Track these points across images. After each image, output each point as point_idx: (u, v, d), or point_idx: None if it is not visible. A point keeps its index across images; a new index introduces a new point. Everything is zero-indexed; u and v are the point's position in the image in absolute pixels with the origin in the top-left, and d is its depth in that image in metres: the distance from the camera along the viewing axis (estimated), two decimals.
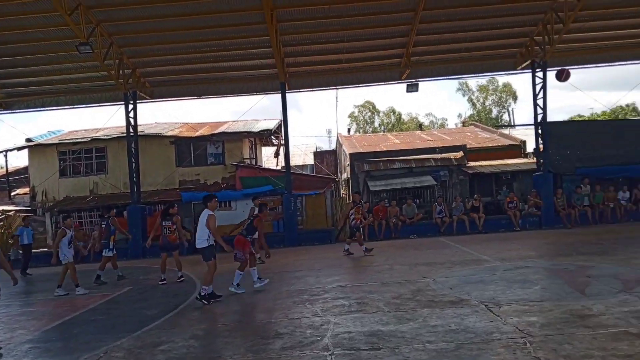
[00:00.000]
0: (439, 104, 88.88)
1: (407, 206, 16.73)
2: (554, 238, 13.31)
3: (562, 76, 16.06)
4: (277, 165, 24.25)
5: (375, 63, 17.84)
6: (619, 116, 38.26)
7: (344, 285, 8.64)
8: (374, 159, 19.19)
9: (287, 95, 17.39)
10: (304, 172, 25.04)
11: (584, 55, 17.99)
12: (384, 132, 43.55)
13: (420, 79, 18.11)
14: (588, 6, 15.08)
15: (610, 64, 18.47)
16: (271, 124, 21.44)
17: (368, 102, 55.55)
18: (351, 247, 12.69)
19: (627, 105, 42.69)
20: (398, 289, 7.92)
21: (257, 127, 21.05)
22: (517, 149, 21.14)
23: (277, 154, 23.27)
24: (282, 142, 18.73)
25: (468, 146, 20.08)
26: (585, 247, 11.09)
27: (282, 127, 18.02)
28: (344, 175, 22.88)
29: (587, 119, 36.47)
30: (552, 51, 16.32)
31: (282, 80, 17.00)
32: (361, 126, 54.67)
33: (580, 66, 18.44)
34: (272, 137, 22.67)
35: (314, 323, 6.28)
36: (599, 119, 33.28)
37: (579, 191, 16.33)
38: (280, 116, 18.54)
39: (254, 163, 21.57)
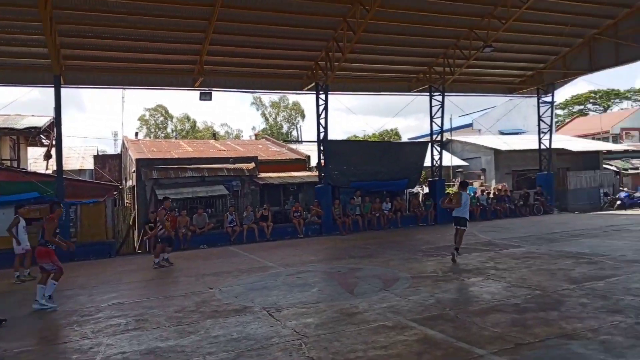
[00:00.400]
0: (235, 116, 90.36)
1: (197, 216, 16.40)
2: (332, 244, 14.63)
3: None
4: (47, 169, 21.17)
5: (168, 67, 17.14)
6: (385, 139, 44.39)
7: (122, 302, 7.92)
8: (164, 166, 18.30)
9: (66, 90, 15.37)
10: (81, 178, 22.43)
11: (359, 84, 20.43)
12: (176, 138, 42.17)
13: (213, 89, 18.06)
14: (363, 40, 17.21)
15: (379, 93, 21.38)
16: (41, 121, 18.63)
17: (160, 106, 53.17)
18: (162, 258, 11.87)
19: (392, 130, 50.04)
20: (182, 302, 7.63)
21: (22, 124, 18.04)
22: (303, 162, 22.77)
23: (47, 156, 20.29)
24: (54, 142, 16.40)
25: (259, 158, 20.76)
26: (356, 251, 12.46)
27: (55, 126, 15.84)
28: (129, 183, 21.25)
29: (360, 139, 41.43)
30: (333, 77, 18.14)
31: (57, 73, 14.96)
32: (152, 131, 51.91)
33: (356, 93, 20.96)
34: (42, 136, 19.73)
35: (82, 347, 5.59)
36: (370, 140, 38.09)
37: (352, 202, 18.39)
38: (53, 112, 16.24)
39: (16, 165, 18.43)
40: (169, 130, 52.99)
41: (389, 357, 4.75)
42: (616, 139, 39.40)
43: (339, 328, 5.76)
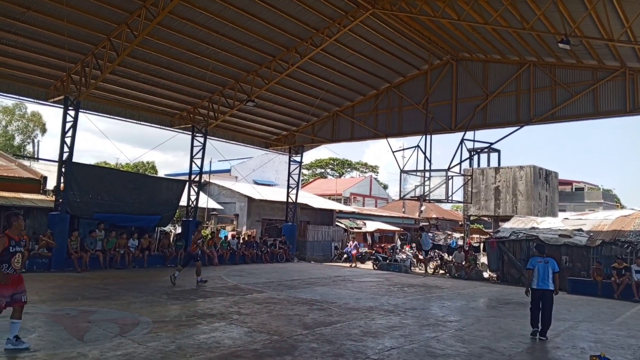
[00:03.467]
0: None
1: None
2: (62, 281, 12.72)
3: None
4: None
5: None
6: (140, 170, 42.11)
7: None
8: None
9: None
10: None
11: (117, 107, 19.03)
12: None
13: None
14: (127, 64, 16.35)
15: (138, 122, 20.20)
16: None
17: None
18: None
19: (148, 162, 47.85)
20: None
21: None
22: (37, 183, 19.51)
23: None
24: None
25: None
26: (92, 292, 11.11)
27: None
28: None
29: (112, 167, 38.29)
30: (87, 94, 16.45)
31: None
32: None
33: (111, 116, 19.31)
34: None
35: None
36: (122, 169, 35.51)
37: (93, 235, 16.48)
38: None
39: None
40: None
41: None
42: (346, 201, 46.13)
43: None
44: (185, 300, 10.39)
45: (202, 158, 21.09)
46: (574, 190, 50.64)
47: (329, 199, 40.06)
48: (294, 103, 21.81)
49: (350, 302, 11.12)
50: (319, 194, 40.74)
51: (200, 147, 20.93)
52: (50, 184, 18.93)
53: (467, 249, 23.41)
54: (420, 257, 24.02)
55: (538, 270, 8.29)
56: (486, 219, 35.01)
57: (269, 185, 39.67)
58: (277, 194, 29.22)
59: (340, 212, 32.62)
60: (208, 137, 21.16)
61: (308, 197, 32.96)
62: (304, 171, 58.94)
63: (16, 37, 14.29)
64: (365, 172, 65.49)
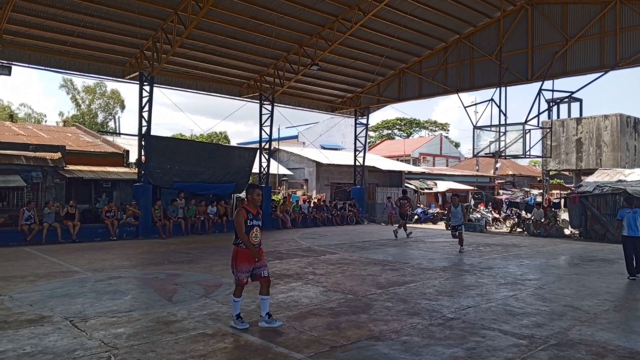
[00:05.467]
0: (38, 97, 79.30)
1: None
2: (149, 247, 13.70)
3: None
4: None
5: None
6: (213, 141, 43.69)
7: None
8: None
9: None
10: None
11: (188, 80, 19.74)
12: None
13: (14, 62, 15.57)
14: (195, 37, 16.75)
15: (208, 93, 20.91)
16: None
17: None
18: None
19: (221, 133, 49.50)
20: None
21: None
22: (120, 157, 20.88)
23: None
24: None
25: (68, 148, 18.44)
26: (177, 256, 11.88)
27: None
28: None
29: (187, 138, 40.02)
30: (160, 69, 17.14)
31: None
32: None
33: (184, 89, 20.12)
34: None
35: None
36: (197, 140, 37.03)
37: (175, 204, 17.49)
38: None
39: None
40: None
41: None
42: (415, 162, 45.33)
43: (154, 338, 5.38)
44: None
45: (271, 125, 21.45)
46: None
47: (397, 160, 39.55)
48: (358, 63, 21.42)
49: (424, 263, 11.06)
50: (387, 155, 40.32)
51: (269, 115, 21.27)
52: (133, 157, 20.17)
53: (546, 205, 22.34)
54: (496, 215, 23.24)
55: (628, 220, 9.18)
56: (567, 173, 33.04)
57: (336, 149, 39.78)
58: (345, 158, 29.27)
59: (410, 172, 32.15)
60: (275, 104, 21.43)
61: (375, 159, 32.73)
62: (371, 133, 58.33)
63: (92, 19, 15.06)
64: (435, 131, 63.69)
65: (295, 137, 40.88)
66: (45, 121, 48.01)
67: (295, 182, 29.09)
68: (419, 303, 7.10)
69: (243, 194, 22.64)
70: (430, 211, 26.57)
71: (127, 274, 9.39)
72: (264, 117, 21.41)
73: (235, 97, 21.54)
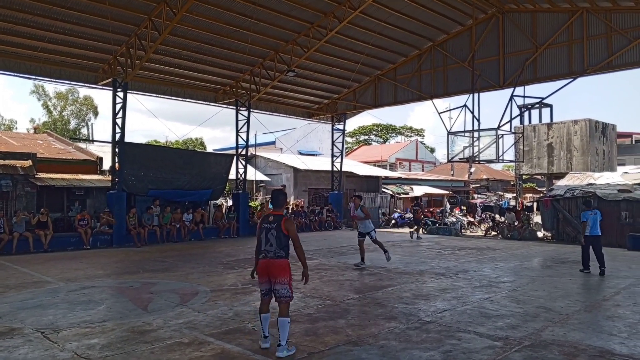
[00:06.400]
0: (7, 103, 77.26)
1: None
2: (123, 256, 13.45)
3: None
4: None
5: None
6: (190, 147, 43.28)
7: None
8: None
9: None
10: None
11: (163, 86, 19.52)
12: None
13: None
14: (170, 43, 16.59)
15: (183, 99, 20.69)
16: None
17: None
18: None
19: (197, 139, 49.06)
20: None
21: None
22: (94, 164, 20.50)
23: None
24: None
25: (39, 155, 18.01)
26: (152, 265, 11.69)
27: None
28: None
29: (162, 144, 39.55)
30: (134, 75, 16.91)
31: None
32: None
33: (158, 95, 19.87)
34: None
35: None
36: (172, 147, 36.61)
37: (150, 212, 17.20)
38: None
39: None
40: None
41: None
42: (392, 167, 45.74)
43: (129, 348, 5.29)
44: (240, 269, 10.75)
45: (247, 131, 21.37)
46: (633, 142, 47.83)
47: (374, 165, 39.84)
48: (335, 70, 21.56)
49: (400, 267, 11.16)
50: (364, 161, 40.59)
51: (245, 121, 21.19)
52: (106, 164, 19.82)
53: (519, 209, 22.80)
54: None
55: (592, 220, 10.19)
56: (539, 177, 33.83)
57: (313, 155, 39.84)
58: (322, 164, 29.35)
59: (387, 178, 32.42)
60: (252, 110, 21.37)
61: (353, 164, 32.91)
62: (348, 139, 58.67)
63: (63, 24, 14.77)
64: (411, 136, 64.47)
65: (273, 143, 40.80)
66: (16, 128, 46.80)
67: (273, 188, 28.99)
68: (396, 307, 7.16)
69: (219, 201, 22.52)
70: (407, 216, 26.80)
71: (101, 283, 9.20)
72: (241, 123, 21.31)
73: (211, 103, 21.40)
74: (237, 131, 21.37)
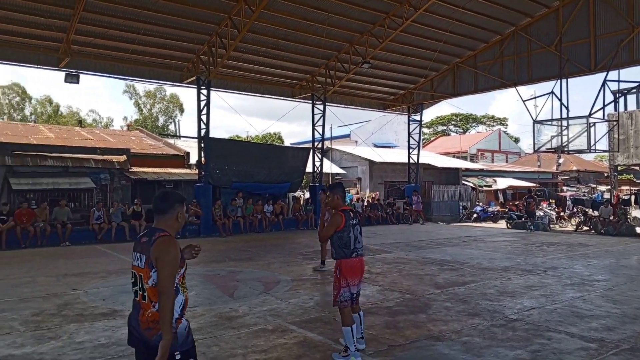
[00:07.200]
0: (104, 103, 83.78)
1: (59, 208, 14.76)
2: (210, 245, 14.16)
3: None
4: None
5: (28, 41, 15.21)
6: (268, 141, 44.52)
7: None
8: (20, 152, 16.23)
9: None
10: None
11: (243, 83, 20.23)
12: (35, 122, 37.67)
13: (82, 71, 16.49)
14: (248, 40, 17.11)
15: (262, 95, 21.35)
16: None
17: (16, 84, 47.23)
18: None
19: (275, 133, 50.36)
20: (40, 304, 6.82)
21: None
22: (181, 159, 21.77)
23: None
24: None
25: (132, 151, 19.41)
26: (237, 254, 12.23)
27: None
28: None
29: (243, 139, 41.01)
30: (216, 72, 17.67)
31: None
32: (6, 111, 45.88)
33: (240, 92, 20.64)
34: None
35: None
36: (252, 141, 37.87)
37: (234, 203, 18.00)
38: None
39: None
40: (26, 112, 47.32)
41: None
42: (473, 158, 44.13)
43: (217, 332, 5.59)
44: (318, 260, 10.93)
45: (323, 125, 21.59)
46: None
47: (454, 157, 38.66)
48: (411, 59, 21.13)
49: (484, 262, 10.79)
50: (443, 152, 39.50)
51: (321, 115, 21.42)
52: (193, 159, 20.94)
53: (615, 202, 21.12)
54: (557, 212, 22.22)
55: None
56: (637, 168, 31.06)
57: (389, 147, 39.40)
58: (398, 156, 28.95)
59: (467, 170, 31.34)
60: (327, 103, 21.54)
61: (430, 156, 32.15)
62: (425, 130, 57.34)
63: (151, 26, 15.72)
64: (493, 126, 61.70)
65: (348, 135, 40.87)
66: (112, 125, 50.70)
67: (348, 181, 29.11)
68: (479, 304, 6.95)
69: (297, 193, 23.00)
70: (490, 209, 25.78)
71: (190, 271, 9.68)
72: (316, 117, 21.58)
73: (288, 98, 21.85)
74: (313, 125, 21.65)
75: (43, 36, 15.12)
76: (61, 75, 16.15)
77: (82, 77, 16.49)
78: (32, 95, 48.84)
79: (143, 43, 16.51)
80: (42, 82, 79.50)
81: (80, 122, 42.62)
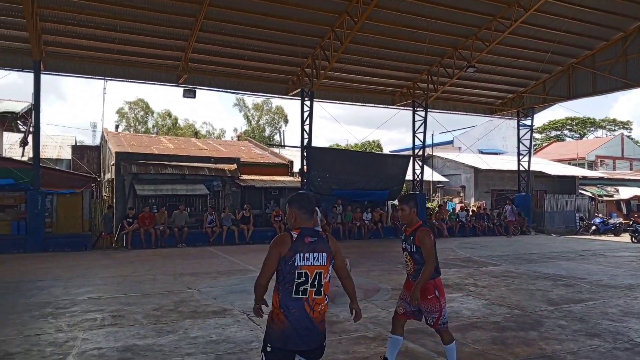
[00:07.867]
0: (217, 115, 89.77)
1: (178, 212, 16.16)
2: None
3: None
4: (22, 155, 20.63)
5: (152, 61, 16.91)
6: (367, 149, 44.63)
7: (98, 297, 7.74)
8: (144, 161, 18.01)
9: (45, 77, 15.03)
10: (58, 168, 21.89)
11: (344, 93, 20.57)
12: (157, 134, 41.52)
13: (198, 87, 17.95)
14: (350, 51, 17.37)
15: (362, 104, 21.56)
16: (18, 107, 18.16)
17: (141, 100, 52.44)
18: None
19: (374, 141, 50.37)
20: (160, 300, 7.49)
21: None
22: (285, 167, 22.68)
23: (24, 143, 19.79)
24: (32, 129, 15.98)
25: (242, 159, 20.62)
26: None
27: (33, 112, 15.45)
28: (108, 176, 20.81)
29: (343, 148, 41.55)
30: (319, 84, 18.20)
31: (37, 59, 14.50)
32: (132, 124, 51.09)
33: (341, 102, 21.08)
34: (19, 122, 19.23)
35: (57, 340, 5.42)
36: (352, 149, 38.21)
37: (334, 210, 18.35)
38: (32, 99, 15.83)
39: None
40: (149, 125, 52.27)
41: None
42: (591, 165, 40.47)
43: None
44: None
45: (424, 132, 21.19)
46: None
47: (569, 164, 35.77)
48: (520, 62, 20.00)
49: (604, 279, 9.83)
50: (556, 159, 36.73)
51: (422, 122, 21.04)
52: (296, 167, 21.71)
53: None
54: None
55: None
56: None
57: (496, 153, 37.51)
58: (506, 163, 27.45)
59: (584, 178, 28.81)
60: (428, 110, 21.12)
61: (543, 163, 30.07)
62: (536, 135, 53.68)
63: (259, 42, 16.64)
64: (614, 130, 56.05)
65: (451, 142, 39.64)
66: (224, 136, 54.20)
67: (451, 189, 28.18)
68: (599, 323, 6.35)
69: (397, 202, 22.77)
70: (612, 221, 23.41)
71: None
72: (417, 124, 21.23)
73: (388, 106, 21.78)
74: (414, 132, 21.33)
75: (164, 56, 16.71)
76: (179, 90, 17.74)
77: (197, 92, 17.92)
78: (154, 110, 53.88)
79: (252, 59, 17.50)
80: (163, 98, 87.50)
81: (196, 134, 46.10)
